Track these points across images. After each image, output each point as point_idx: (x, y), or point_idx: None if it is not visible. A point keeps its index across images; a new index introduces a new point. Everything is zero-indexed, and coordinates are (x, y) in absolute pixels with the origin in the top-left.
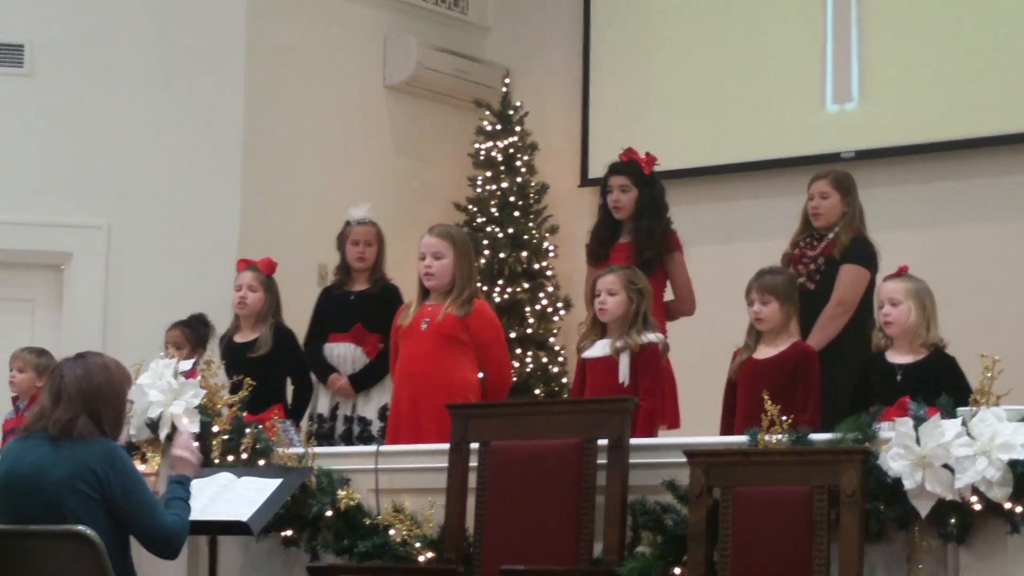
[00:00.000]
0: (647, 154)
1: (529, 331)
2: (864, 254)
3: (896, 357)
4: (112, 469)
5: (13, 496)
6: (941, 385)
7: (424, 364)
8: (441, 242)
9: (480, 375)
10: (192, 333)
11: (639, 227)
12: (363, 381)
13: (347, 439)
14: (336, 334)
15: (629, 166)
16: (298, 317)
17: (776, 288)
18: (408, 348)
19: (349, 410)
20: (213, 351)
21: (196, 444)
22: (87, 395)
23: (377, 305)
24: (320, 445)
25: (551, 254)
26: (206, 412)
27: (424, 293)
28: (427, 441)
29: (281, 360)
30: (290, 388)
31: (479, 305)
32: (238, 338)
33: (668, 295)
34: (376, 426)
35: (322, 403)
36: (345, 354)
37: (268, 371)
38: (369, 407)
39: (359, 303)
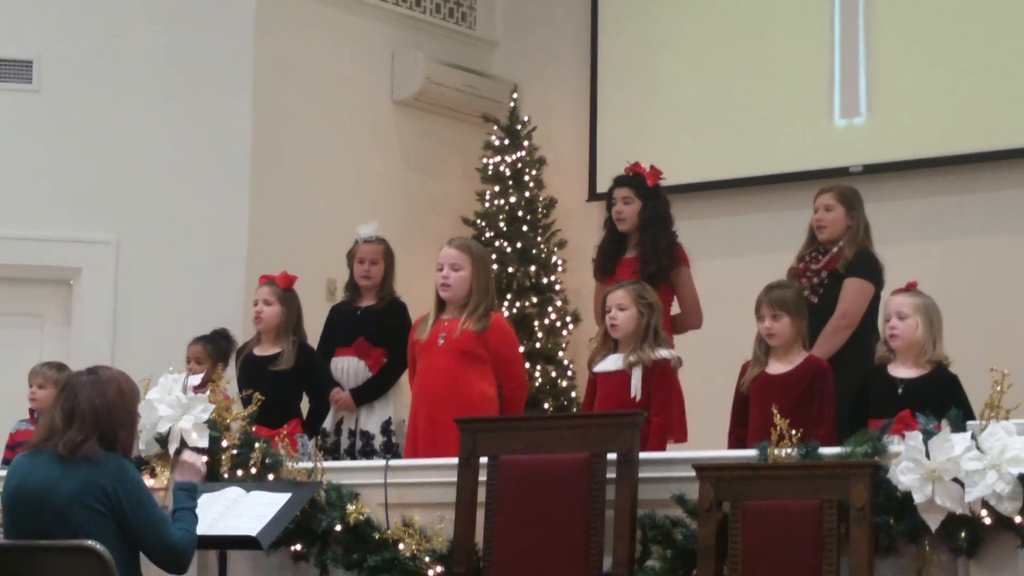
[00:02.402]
0: (652, 167)
1: (538, 345)
2: (868, 268)
3: (899, 371)
4: (121, 485)
5: (22, 512)
6: (942, 402)
7: (442, 380)
8: (460, 254)
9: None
10: (214, 348)
11: (644, 240)
12: (365, 395)
13: (350, 454)
14: (341, 348)
15: (633, 178)
16: (307, 331)
17: (787, 303)
18: (425, 364)
19: (353, 424)
20: (232, 366)
21: (205, 459)
22: (101, 416)
23: (382, 320)
24: (324, 460)
25: (559, 268)
26: (215, 427)
27: (440, 306)
28: (447, 456)
29: (301, 376)
30: (305, 404)
31: (496, 319)
32: (258, 351)
33: (675, 308)
34: (379, 440)
35: (327, 418)
36: (348, 368)
37: (287, 386)
38: (372, 421)
39: (364, 318)
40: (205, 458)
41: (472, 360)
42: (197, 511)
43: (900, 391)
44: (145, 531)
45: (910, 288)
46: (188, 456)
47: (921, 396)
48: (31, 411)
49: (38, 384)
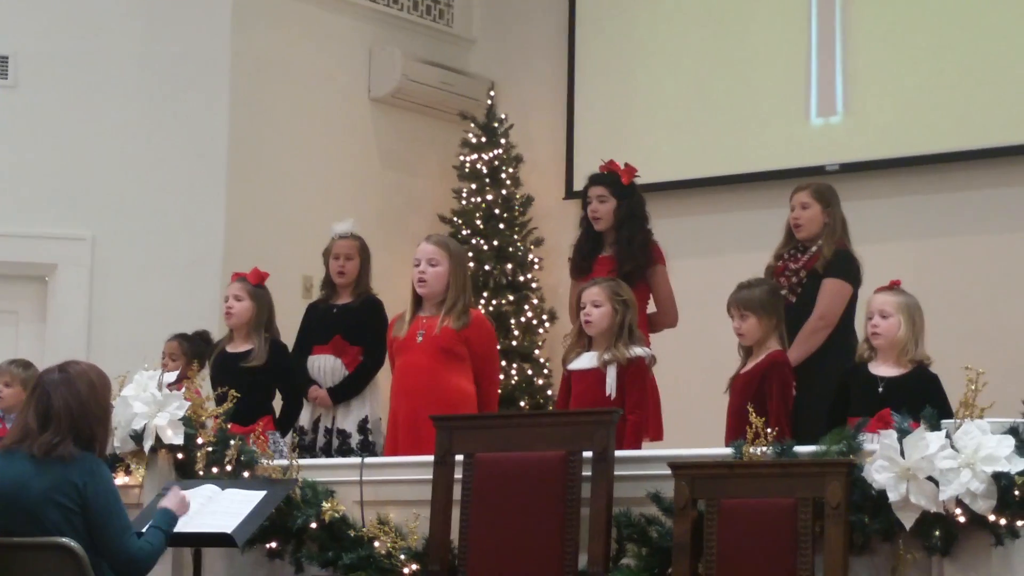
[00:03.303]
0: (626, 165)
1: (514, 343)
2: (847, 268)
3: (879, 369)
4: (92, 481)
5: None
6: (922, 402)
7: (421, 377)
8: (437, 250)
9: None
10: (189, 347)
11: (620, 239)
12: (341, 393)
13: (327, 452)
14: (318, 346)
15: (607, 176)
16: (283, 329)
17: (752, 302)
18: (404, 361)
19: (329, 422)
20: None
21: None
22: (76, 416)
23: (358, 318)
24: (301, 457)
25: (536, 266)
26: (190, 424)
27: (417, 303)
28: (429, 453)
29: (273, 374)
30: (278, 401)
31: (477, 316)
32: (230, 348)
33: (651, 307)
34: (355, 439)
35: (303, 416)
36: (324, 366)
37: (258, 383)
38: (348, 420)
39: (340, 316)
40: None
41: (451, 357)
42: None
43: (881, 390)
44: (105, 533)
45: (893, 287)
46: (180, 492)
47: (902, 395)
48: None
49: (4, 383)
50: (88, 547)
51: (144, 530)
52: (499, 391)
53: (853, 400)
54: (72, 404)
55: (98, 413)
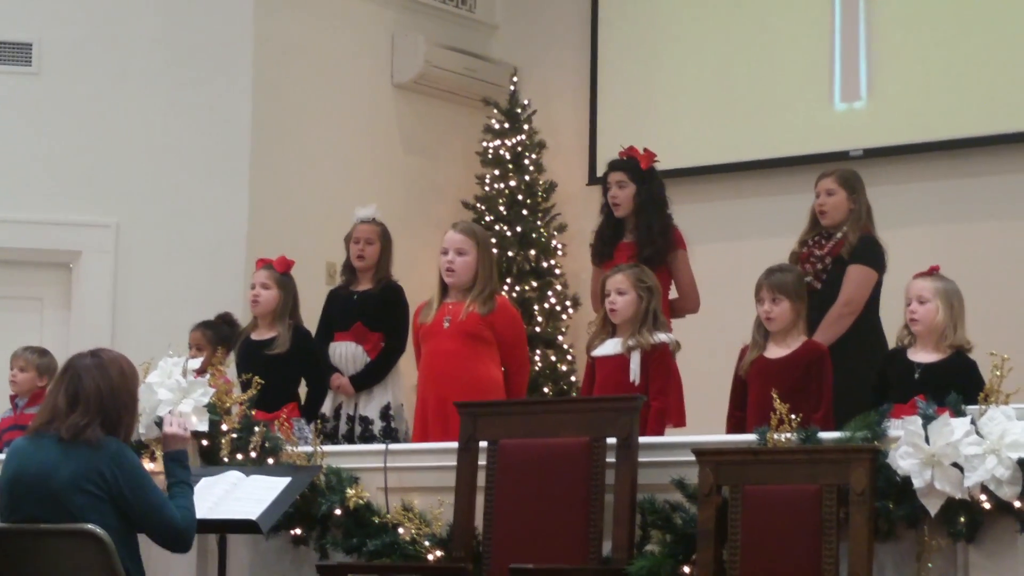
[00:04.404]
0: (645, 150)
1: (538, 329)
2: (872, 254)
3: (917, 355)
4: (120, 470)
5: (20, 496)
6: (959, 387)
7: (449, 363)
8: (465, 239)
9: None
10: (214, 334)
11: (640, 224)
12: (363, 380)
13: (349, 439)
14: (339, 333)
15: (626, 162)
16: (306, 315)
17: (787, 287)
18: (431, 347)
19: (351, 409)
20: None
21: (184, 423)
22: (106, 400)
23: (379, 304)
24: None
25: (559, 252)
26: (215, 411)
27: (444, 290)
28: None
29: (297, 360)
30: (303, 388)
31: (501, 302)
32: (255, 336)
33: (672, 293)
34: (378, 426)
35: (325, 403)
36: (346, 353)
37: (283, 370)
38: (371, 407)
39: (361, 302)
40: (184, 423)
41: (478, 342)
42: (195, 496)
43: (917, 375)
44: (147, 514)
45: (932, 272)
46: (168, 428)
47: (938, 381)
48: (12, 397)
49: (19, 367)
50: (114, 534)
51: (170, 493)
52: (528, 374)
53: (892, 386)
54: (103, 388)
55: (127, 400)
